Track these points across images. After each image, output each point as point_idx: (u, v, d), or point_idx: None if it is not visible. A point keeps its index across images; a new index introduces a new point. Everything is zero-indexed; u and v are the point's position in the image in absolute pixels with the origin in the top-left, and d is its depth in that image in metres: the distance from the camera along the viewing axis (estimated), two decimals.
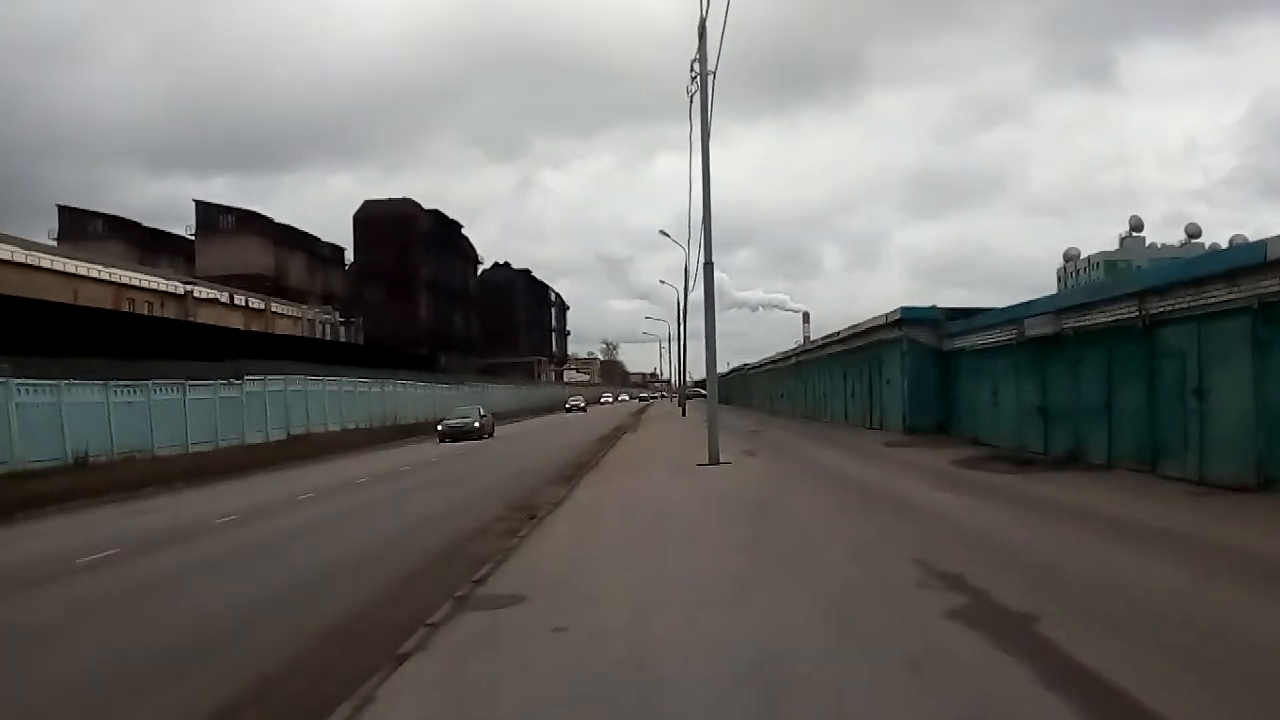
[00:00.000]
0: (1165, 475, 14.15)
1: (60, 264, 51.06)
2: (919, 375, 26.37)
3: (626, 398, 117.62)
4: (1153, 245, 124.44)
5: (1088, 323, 16.90)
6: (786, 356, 57.48)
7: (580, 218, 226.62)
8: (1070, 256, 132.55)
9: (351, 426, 46.30)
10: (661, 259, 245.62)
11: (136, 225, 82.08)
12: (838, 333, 36.98)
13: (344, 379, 47.32)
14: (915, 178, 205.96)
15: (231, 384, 36.63)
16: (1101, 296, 16.31)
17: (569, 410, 79.16)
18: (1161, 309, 14.41)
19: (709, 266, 21.03)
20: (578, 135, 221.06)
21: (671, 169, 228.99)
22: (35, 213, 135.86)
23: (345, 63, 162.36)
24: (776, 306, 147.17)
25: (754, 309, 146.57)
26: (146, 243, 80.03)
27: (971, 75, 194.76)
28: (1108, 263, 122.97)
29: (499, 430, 44.30)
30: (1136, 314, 15.05)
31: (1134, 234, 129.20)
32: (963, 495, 13.59)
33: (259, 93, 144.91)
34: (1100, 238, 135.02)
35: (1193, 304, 13.55)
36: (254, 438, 36.76)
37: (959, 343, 24.81)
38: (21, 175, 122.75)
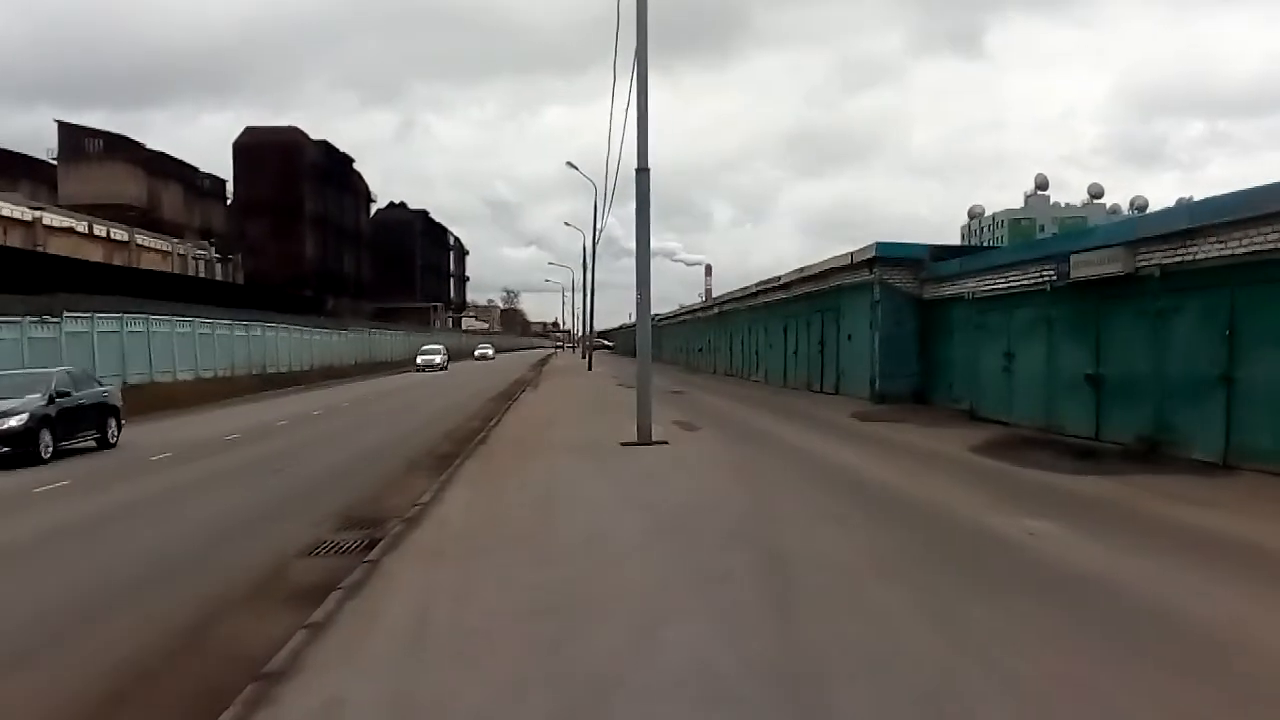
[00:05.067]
0: None
1: None
2: (895, 329, 21.15)
3: (490, 352, 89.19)
4: (1056, 204, 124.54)
5: (1193, 256, 11.79)
6: (707, 306, 52.26)
7: (467, 165, 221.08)
8: (975, 214, 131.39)
9: (208, 375, 39.63)
10: (556, 208, 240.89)
11: None
12: (778, 277, 31.57)
13: (199, 320, 40.27)
14: (797, 138, 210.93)
15: (46, 322, 29.47)
16: (1227, 218, 11.07)
17: (478, 359, 79.42)
18: None
19: (643, 173, 15.36)
20: (459, 84, 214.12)
21: (560, 122, 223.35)
22: None
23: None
24: (668, 256, 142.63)
25: None
26: (4, 167, 70.24)
27: (846, 41, 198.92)
28: (1012, 221, 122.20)
29: (376, 384, 43.00)
30: None
31: (1039, 192, 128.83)
32: (1076, 528, 8.28)
33: (129, 26, 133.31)
34: (978, 197, 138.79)
35: None
36: None
37: (950, 289, 19.66)
38: None
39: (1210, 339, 11.42)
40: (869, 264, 21.96)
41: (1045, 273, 15.28)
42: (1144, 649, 5.30)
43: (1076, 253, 14.23)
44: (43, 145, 75.18)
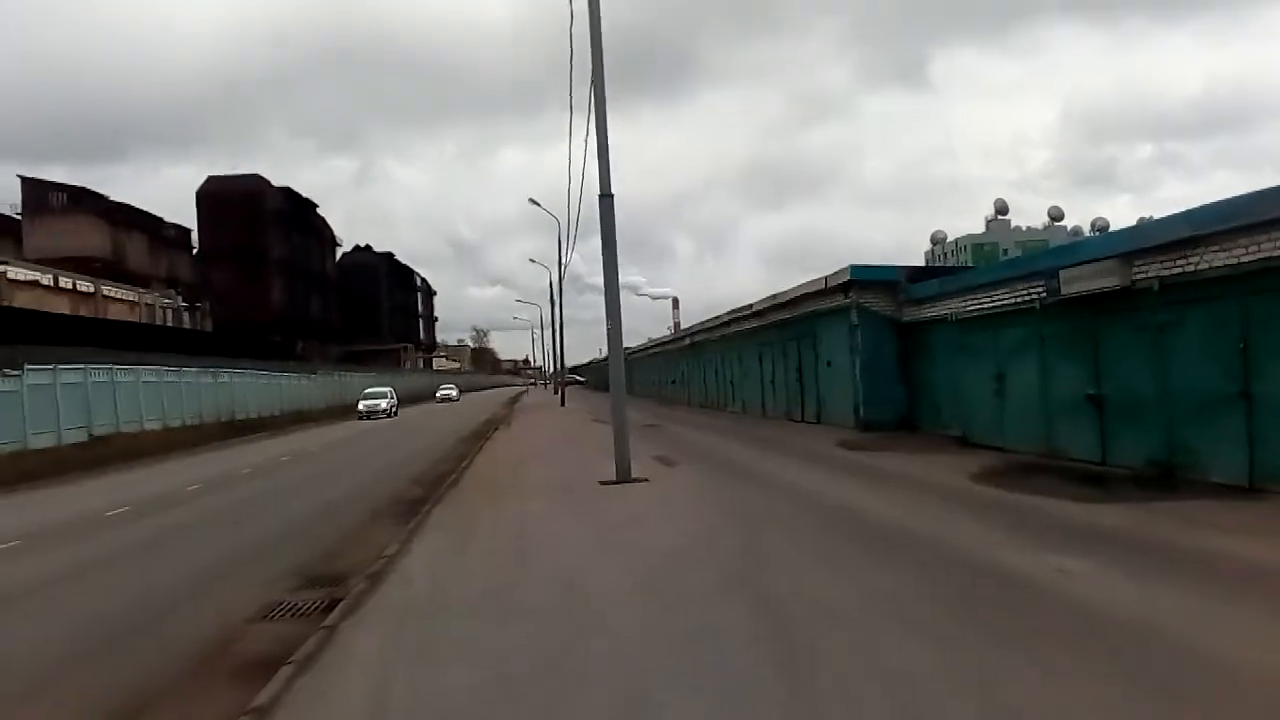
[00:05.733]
0: None
1: None
2: (876, 354, 20.53)
3: (454, 393, 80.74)
4: (1018, 228, 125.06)
5: (1195, 266, 11.21)
6: (679, 337, 51.65)
7: (429, 208, 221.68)
8: (938, 239, 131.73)
9: (176, 424, 38.75)
10: (519, 246, 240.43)
11: None
12: (750, 305, 30.98)
13: (165, 369, 39.26)
14: (754, 171, 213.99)
15: (6, 375, 28.36)
16: (1230, 225, 10.46)
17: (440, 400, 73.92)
18: None
19: (607, 199, 14.73)
20: (416, 128, 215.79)
21: (519, 162, 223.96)
22: None
23: (175, 54, 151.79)
24: (633, 290, 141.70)
25: None
26: None
27: (795, 77, 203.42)
28: (975, 245, 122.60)
29: (347, 427, 42.01)
30: None
31: (1000, 216, 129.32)
32: (1103, 564, 7.58)
33: (90, 83, 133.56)
34: (934, 224, 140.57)
35: None
36: (42, 441, 28.81)
37: (931, 311, 19.07)
38: None
39: (1222, 353, 10.79)
40: (844, 288, 21.37)
41: (1034, 290, 14.71)
42: (1210, 713, 4.58)
43: (1066, 268, 13.64)
44: (6, 201, 74.26)
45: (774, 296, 27.93)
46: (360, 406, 51.36)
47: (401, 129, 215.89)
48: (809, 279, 24.77)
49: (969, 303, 17.32)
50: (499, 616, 7.07)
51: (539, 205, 42.39)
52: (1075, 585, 6.94)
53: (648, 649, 5.99)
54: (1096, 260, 12.99)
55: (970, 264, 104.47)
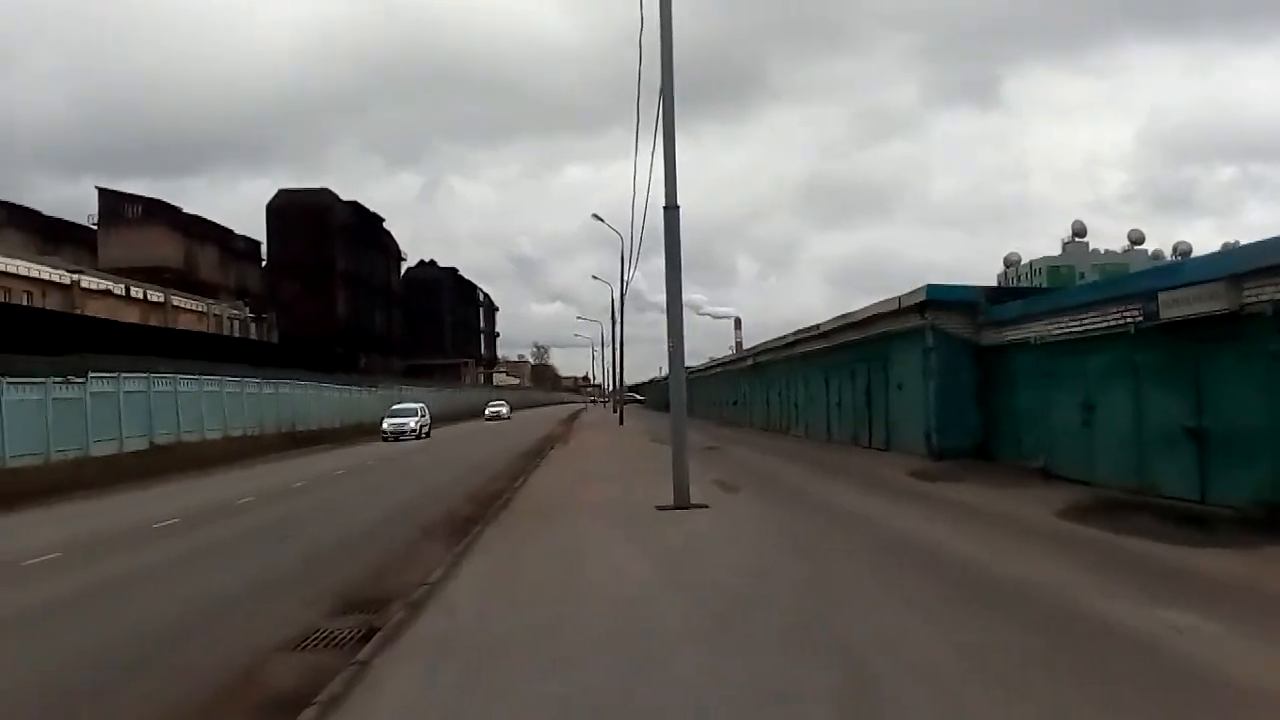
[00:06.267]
0: None
1: None
2: (952, 378, 19.50)
3: (505, 409, 74.45)
4: (1095, 251, 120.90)
5: None
6: (741, 357, 50.81)
7: (492, 224, 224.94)
8: (1011, 262, 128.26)
9: (237, 434, 38.99)
10: (581, 263, 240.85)
11: (37, 214, 73.77)
12: (817, 325, 30.07)
13: (227, 379, 39.56)
14: (818, 190, 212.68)
15: (70, 382, 28.65)
16: None
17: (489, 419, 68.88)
18: None
19: (672, 211, 14.12)
20: (481, 145, 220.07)
21: (581, 180, 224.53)
22: None
23: (250, 72, 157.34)
24: (695, 309, 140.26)
25: None
26: (48, 233, 71.95)
27: (861, 94, 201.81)
28: (1051, 268, 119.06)
29: (404, 442, 41.56)
30: None
31: (1077, 239, 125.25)
32: (1220, 619, 6.70)
33: (168, 100, 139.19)
34: (1003, 246, 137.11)
35: None
36: (104, 449, 29.09)
37: (1012, 333, 18.06)
38: None
39: None
40: (919, 309, 20.40)
41: (1128, 314, 13.71)
42: None
43: (1166, 290, 12.67)
44: (85, 212, 76.82)
45: (843, 316, 27.03)
46: (384, 426, 44.59)
47: (467, 146, 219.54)
48: (875, 300, 23.95)
49: (1055, 326, 16.30)
50: (545, 657, 6.44)
51: (602, 221, 42.07)
52: (1195, 646, 6.09)
53: (708, 704, 5.30)
54: (1201, 283, 11.99)
55: (1045, 287, 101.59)
